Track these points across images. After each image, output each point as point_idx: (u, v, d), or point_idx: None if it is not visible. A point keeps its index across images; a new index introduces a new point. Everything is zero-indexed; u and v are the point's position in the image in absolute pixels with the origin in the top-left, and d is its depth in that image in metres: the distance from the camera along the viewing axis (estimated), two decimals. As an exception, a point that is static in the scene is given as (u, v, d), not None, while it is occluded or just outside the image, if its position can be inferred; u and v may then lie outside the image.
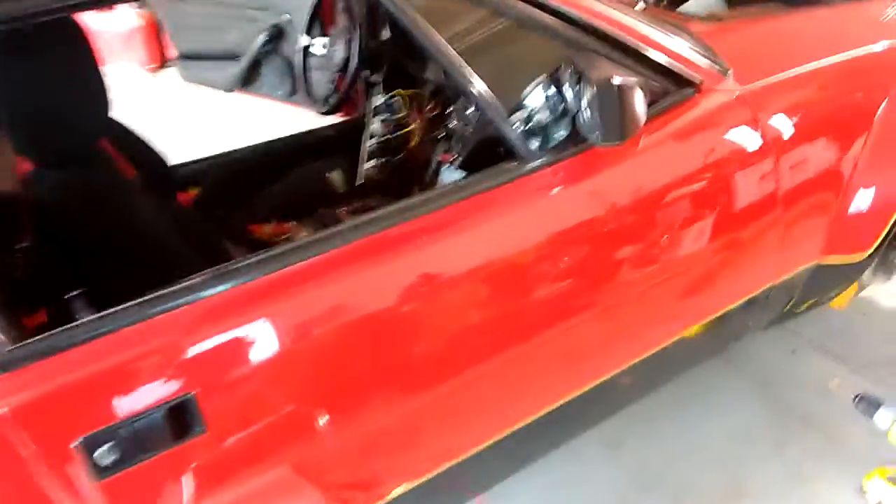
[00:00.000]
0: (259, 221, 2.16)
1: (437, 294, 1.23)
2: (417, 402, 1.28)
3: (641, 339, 1.56)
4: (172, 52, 4.50)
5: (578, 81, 1.23)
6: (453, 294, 1.25)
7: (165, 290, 1.06)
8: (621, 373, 1.53)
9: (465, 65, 1.30)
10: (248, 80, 4.04)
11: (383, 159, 2.26)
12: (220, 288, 1.09)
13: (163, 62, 5.36)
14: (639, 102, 1.23)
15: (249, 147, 2.51)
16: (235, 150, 2.50)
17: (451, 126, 1.94)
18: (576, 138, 1.30)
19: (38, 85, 1.18)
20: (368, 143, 2.30)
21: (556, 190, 1.33)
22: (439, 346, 1.27)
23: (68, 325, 1.00)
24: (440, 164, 1.90)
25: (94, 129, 1.28)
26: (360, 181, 2.28)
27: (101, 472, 0.97)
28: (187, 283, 1.08)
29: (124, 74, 5.20)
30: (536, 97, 1.31)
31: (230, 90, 4.15)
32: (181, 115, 4.39)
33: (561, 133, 1.30)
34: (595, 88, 1.19)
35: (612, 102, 1.20)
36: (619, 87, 1.20)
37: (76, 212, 1.22)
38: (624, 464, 1.98)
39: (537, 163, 1.31)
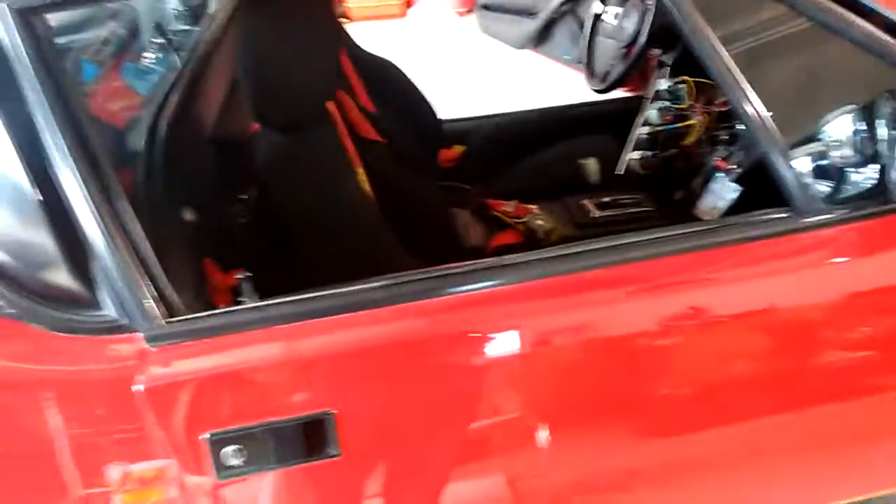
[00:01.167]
0: (501, 196, 2.02)
1: (681, 337, 1.04)
2: (648, 451, 1.10)
3: None
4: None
5: None
6: (703, 344, 1.05)
7: (336, 290, 0.97)
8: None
9: (737, 73, 1.00)
10: (540, 39, 3.94)
11: (650, 153, 1.99)
12: (397, 299, 0.97)
13: (472, 7, 5.39)
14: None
15: (515, 113, 2.42)
16: (501, 115, 2.45)
17: (736, 128, 1.69)
18: (881, 194, 0.97)
19: (264, 47, 1.14)
20: (640, 131, 2.04)
21: (840, 258, 1.03)
22: (683, 394, 1.07)
23: (231, 308, 0.96)
24: (715, 169, 1.64)
25: (311, 98, 1.22)
26: (619, 171, 2.04)
27: (223, 471, 0.93)
28: (366, 284, 0.98)
29: (436, 13, 5.32)
30: (841, 129, 0.99)
31: (520, 48, 4.08)
32: (469, 65, 4.37)
33: (862, 183, 0.98)
34: None
35: None
36: None
37: (279, 179, 1.19)
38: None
39: (821, 218, 1.00)
